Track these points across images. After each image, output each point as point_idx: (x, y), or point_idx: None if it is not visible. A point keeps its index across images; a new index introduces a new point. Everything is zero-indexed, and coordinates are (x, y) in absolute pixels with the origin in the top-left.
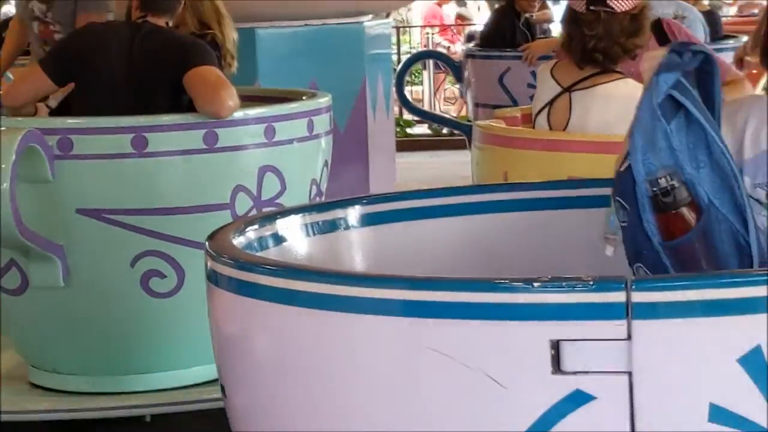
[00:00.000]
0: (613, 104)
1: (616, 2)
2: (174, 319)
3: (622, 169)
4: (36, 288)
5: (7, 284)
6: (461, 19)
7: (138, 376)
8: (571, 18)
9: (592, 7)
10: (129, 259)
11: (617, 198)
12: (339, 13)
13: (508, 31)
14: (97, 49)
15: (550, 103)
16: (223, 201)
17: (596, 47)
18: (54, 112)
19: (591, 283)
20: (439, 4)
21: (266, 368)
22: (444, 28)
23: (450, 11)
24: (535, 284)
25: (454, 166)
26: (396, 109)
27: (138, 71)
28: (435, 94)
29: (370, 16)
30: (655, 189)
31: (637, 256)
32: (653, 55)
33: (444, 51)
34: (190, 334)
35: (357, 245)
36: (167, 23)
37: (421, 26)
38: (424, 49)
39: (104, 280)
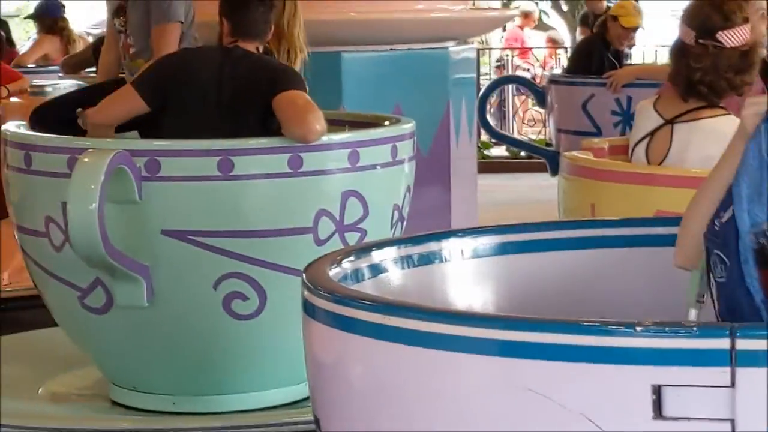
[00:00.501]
0: (715, 140)
1: (726, 37)
2: (255, 342)
3: (723, 220)
4: (120, 307)
5: (92, 303)
6: (552, 42)
7: (218, 397)
8: (678, 50)
9: (701, 41)
10: (212, 280)
11: (716, 252)
12: (424, 38)
13: (596, 61)
14: (190, 73)
15: (651, 134)
16: (306, 225)
17: (702, 80)
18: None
19: (695, 328)
20: (521, 27)
21: (361, 402)
22: (524, 51)
23: (531, 33)
24: (638, 328)
25: (531, 190)
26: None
27: (228, 95)
28: (514, 116)
29: (455, 41)
30: (761, 241)
31: (732, 314)
32: (756, 101)
33: (524, 74)
34: (270, 356)
35: (451, 279)
36: (257, 48)
37: (501, 48)
38: (504, 73)
39: (187, 301)
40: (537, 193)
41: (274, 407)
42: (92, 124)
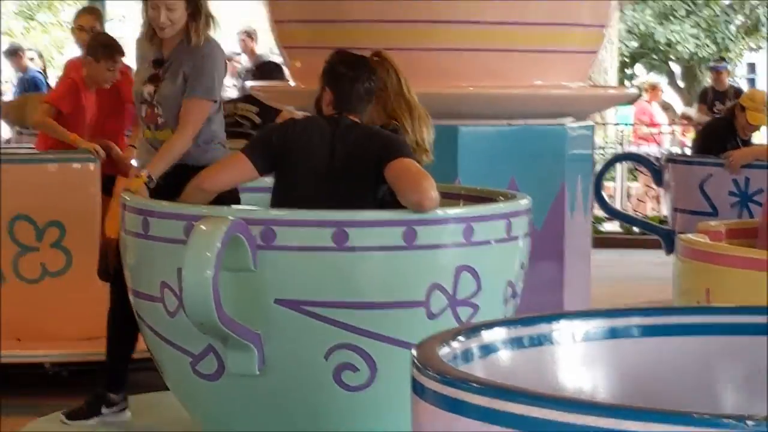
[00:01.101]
0: None
1: None
2: (365, 413)
3: None
4: (232, 375)
5: (204, 369)
6: (687, 119)
7: None
8: None
9: None
10: (323, 350)
11: None
12: (541, 114)
13: (721, 143)
14: (301, 142)
15: None
16: (419, 298)
17: None
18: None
19: None
20: (648, 101)
21: None
22: (651, 125)
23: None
24: (749, 422)
25: (645, 267)
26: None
27: (339, 164)
28: (627, 191)
29: (572, 118)
30: None
31: None
32: None
33: (644, 148)
34: (380, 427)
35: (561, 361)
36: (360, 120)
37: (632, 124)
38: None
39: (298, 371)
40: (651, 270)
41: None
42: (198, 188)
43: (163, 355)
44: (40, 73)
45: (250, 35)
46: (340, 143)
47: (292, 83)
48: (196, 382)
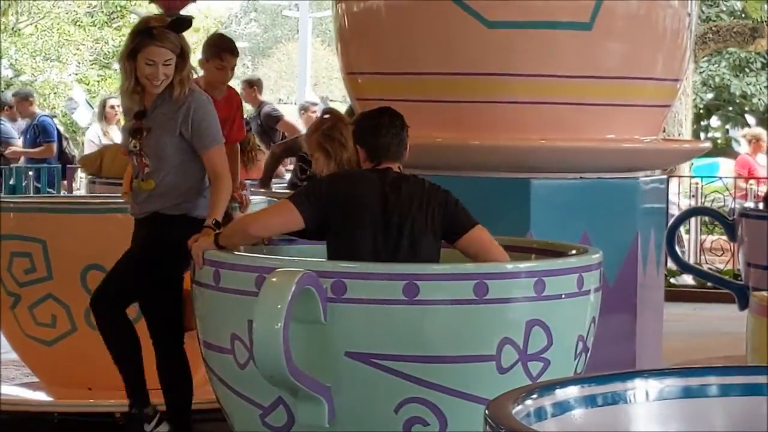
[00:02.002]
0: None
1: None
2: None
3: None
4: (302, 427)
5: (274, 422)
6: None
7: None
8: None
9: None
10: (393, 404)
11: None
12: (614, 168)
13: None
14: (353, 193)
15: None
16: (489, 352)
17: None
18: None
19: None
20: (752, 154)
21: None
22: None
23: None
24: None
25: (718, 321)
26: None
27: (396, 218)
28: (702, 245)
29: (645, 171)
30: None
31: None
32: None
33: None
34: None
35: (635, 420)
36: (399, 168)
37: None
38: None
39: (368, 424)
40: (725, 325)
41: None
42: (243, 232)
43: (232, 407)
44: (48, 116)
45: (251, 85)
46: (393, 194)
47: None
48: None
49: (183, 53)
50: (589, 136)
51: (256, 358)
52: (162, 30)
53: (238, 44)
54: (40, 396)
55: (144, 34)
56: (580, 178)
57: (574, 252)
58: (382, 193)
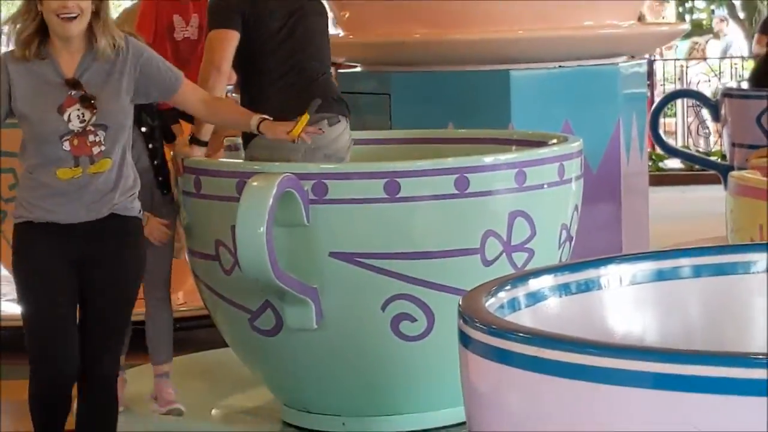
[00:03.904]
0: None
1: None
2: (424, 362)
3: None
4: (290, 329)
5: (262, 325)
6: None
7: (387, 417)
8: None
9: None
10: (380, 302)
11: None
12: (593, 55)
13: None
14: None
15: None
16: (473, 246)
17: None
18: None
19: None
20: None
21: None
22: None
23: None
24: None
25: (706, 202)
26: (648, 142)
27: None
28: (689, 127)
29: (625, 57)
30: None
31: None
32: None
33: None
34: (439, 376)
35: (609, 306)
36: None
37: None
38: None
39: (356, 323)
40: (714, 206)
41: (444, 427)
42: (217, 71)
43: (220, 313)
44: None
45: None
46: None
47: (341, 35)
48: (255, 338)
49: None
50: (567, 24)
51: (241, 263)
52: None
53: None
54: None
55: None
56: (559, 66)
57: (554, 141)
58: None
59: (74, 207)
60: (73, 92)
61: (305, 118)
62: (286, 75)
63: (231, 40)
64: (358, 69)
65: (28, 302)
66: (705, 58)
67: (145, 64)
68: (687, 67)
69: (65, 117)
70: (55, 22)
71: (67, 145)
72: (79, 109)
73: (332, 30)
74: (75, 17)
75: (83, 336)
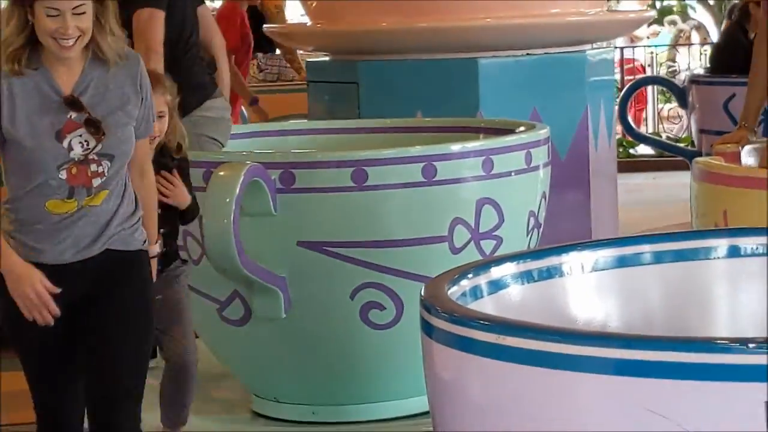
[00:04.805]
0: None
1: None
2: (393, 350)
3: None
4: (258, 319)
5: (230, 315)
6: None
7: (357, 406)
8: None
9: None
10: (349, 290)
11: None
12: (561, 42)
13: (740, 51)
14: None
15: None
16: (441, 233)
17: None
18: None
19: None
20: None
21: (478, 420)
22: None
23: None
24: (751, 345)
25: (676, 188)
26: (618, 128)
27: None
28: (658, 113)
29: (592, 44)
30: None
31: None
32: None
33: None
34: (408, 365)
35: (571, 293)
36: None
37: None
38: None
39: (324, 312)
40: (682, 192)
41: (413, 416)
42: (154, 53)
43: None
44: None
45: None
46: None
47: (309, 24)
48: (224, 327)
49: None
50: (535, 12)
51: (208, 253)
52: None
53: None
54: None
55: None
56: (527, 54)
57: (521, 129)
58: None
59: (65, 245)
60: (75, 114)
61: None
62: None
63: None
64: (326, 58)
65: (21, 359)
66: (675, 45)
67: (145, 95)
68: (656, 54)
69: (65, 144)
70: (50, 43)
71: (63, 174)
72: (81, 135)
73: (300, 19)
74: (75, 41)
75: (89, 393)
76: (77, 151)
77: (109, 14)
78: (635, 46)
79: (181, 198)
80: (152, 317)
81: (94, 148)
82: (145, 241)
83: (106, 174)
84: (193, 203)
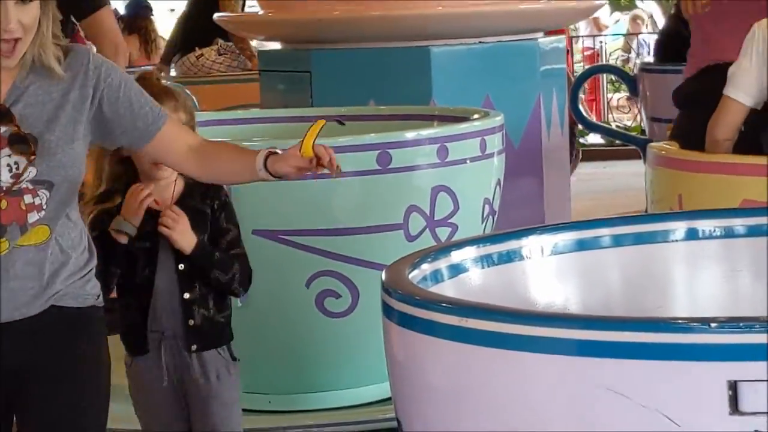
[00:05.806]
0: None
1: None
2: (349, 339)
3: None
4: None
5: None
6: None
7: (313, 394)
8: None
9: None
10: (304, 279)
11: None
12: (513, 30)
13: (678, 43)
14: None
15: None
16: (397, 221)
17: None
18: None
19: None
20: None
21: (440, 404)
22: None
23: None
24: (713, 324)
25: (628, 177)
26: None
27: None
28: (609, 103)
29: (544, 32)
30: None
31: None
32: None
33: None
34: (364, 353)
35: (531, 276)
36: None
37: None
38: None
39: (280, 300)
40: (635, 181)
41: (369, 404)
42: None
43: None
44: None
45: None
46: None
47: (260, 12)
48: None
49: None
50: (487, 0)
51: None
52: None
53: None
54: None
55: None
56: (480, 42)
57: (476, 116)
58: None
59: None
60: (2, 128)
61: (314, 129)
62: None
63: None
64: (278, 47)
65: None
66: (625, 34)
67: (111, 92)
68: (606, 44)
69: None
70: None
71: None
72: (10, 156)
73: (253, 8)
74: (16, 42)
75: None
76: (4, 177)
77: (51, 16)
78: (594, 36)
79: (184, 238)
80: (107, 395)
81: (24, 172)
82: (99, 296)
83: (44, 207)
84: (204, 251)
